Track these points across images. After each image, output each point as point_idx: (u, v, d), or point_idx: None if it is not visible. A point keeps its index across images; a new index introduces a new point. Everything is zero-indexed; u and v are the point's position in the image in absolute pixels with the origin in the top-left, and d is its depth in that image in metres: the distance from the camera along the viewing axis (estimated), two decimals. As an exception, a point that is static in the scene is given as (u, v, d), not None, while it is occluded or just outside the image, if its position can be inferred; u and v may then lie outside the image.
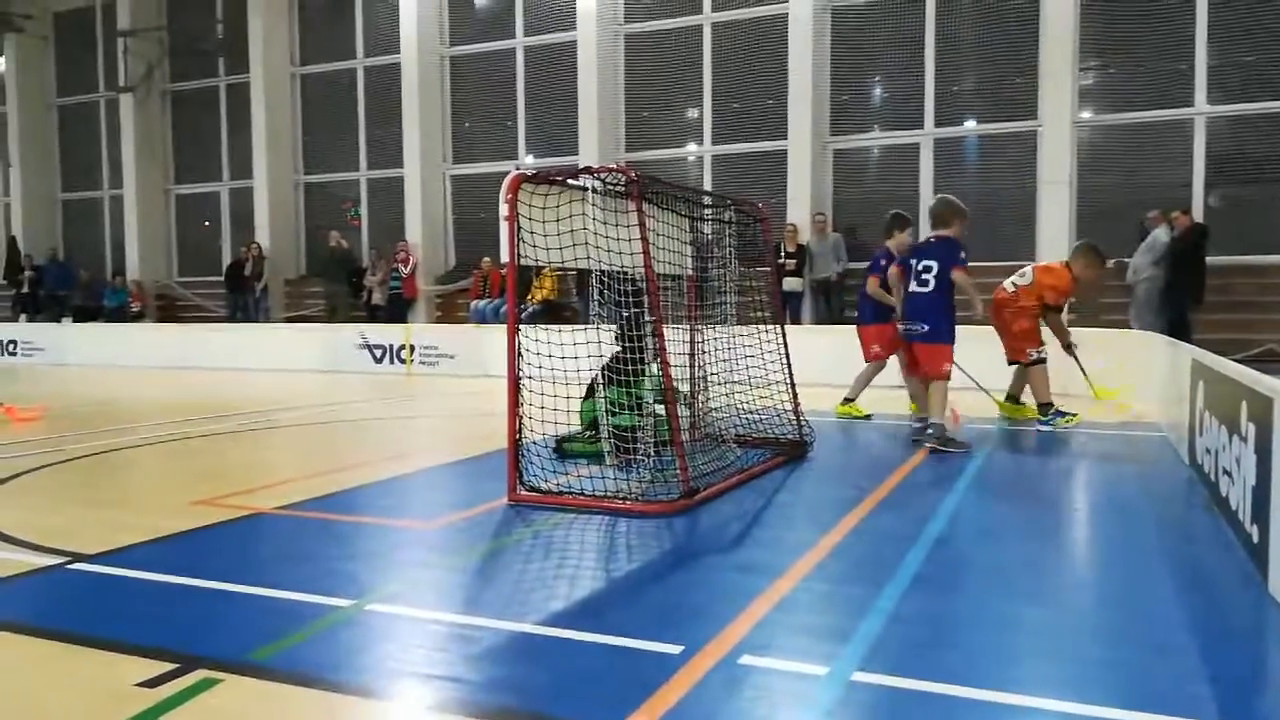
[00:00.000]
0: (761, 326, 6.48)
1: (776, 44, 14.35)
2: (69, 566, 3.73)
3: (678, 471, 4.71)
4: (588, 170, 4.89)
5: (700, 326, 6.24)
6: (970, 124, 13.75)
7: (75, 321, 17.78)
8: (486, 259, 15.33)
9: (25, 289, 18.56)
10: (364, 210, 17.57)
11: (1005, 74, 13.45)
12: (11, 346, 16.87)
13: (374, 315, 15.87)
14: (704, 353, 6.13)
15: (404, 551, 4.06)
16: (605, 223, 4.95)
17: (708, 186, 15.12)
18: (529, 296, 13.89)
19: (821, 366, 9.28)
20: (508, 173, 16.58)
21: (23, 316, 18.47)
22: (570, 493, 4.78)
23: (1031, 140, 13.17)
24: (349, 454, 5.89)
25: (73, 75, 19.97)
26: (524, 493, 4.78)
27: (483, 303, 15.03)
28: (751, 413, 6.29)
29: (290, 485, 5.10)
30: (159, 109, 18.86)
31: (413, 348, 13.58)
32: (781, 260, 12.85)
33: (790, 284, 13.15)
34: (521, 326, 4.89)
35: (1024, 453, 6.62)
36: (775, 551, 3.80)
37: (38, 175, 19.96)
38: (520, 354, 4.82)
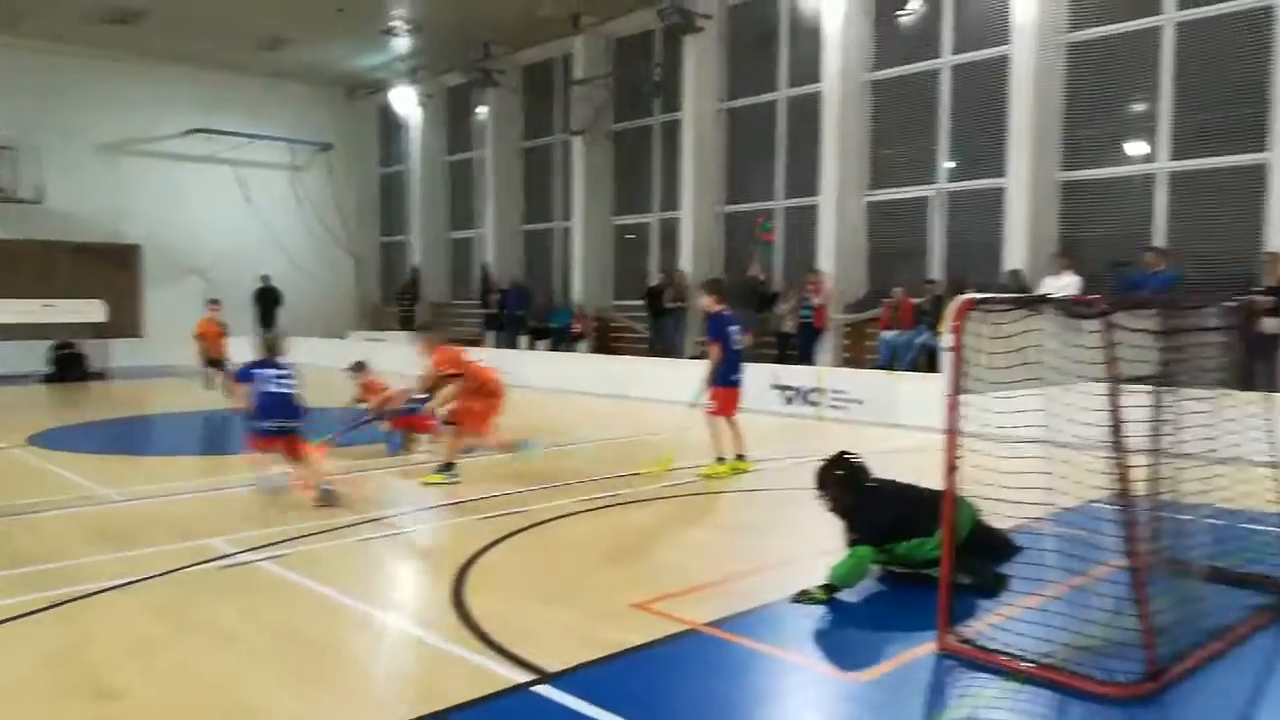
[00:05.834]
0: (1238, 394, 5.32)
1: (1259, 36, 12.23)
2: (533, 689, 4.06)
3: (1139, 632, 4.08)
4: (1045, 299, 4.42)
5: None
6: None
7: (531, 338, 20.24)
8: (898, 289, 14.87)
9: (493, 310, 21.55)
10: (778, 239, 17.91)
11: None
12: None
13: (784, 343, 16.08)
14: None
15: (840, 714, 3.96)
16: (1062, 342, 4.49)
17: (1160, 208, 13.33)
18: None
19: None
20: (925, 198, 15.79)
21: (490, 335, 21.46)
22: (1008, 654, 4.33)
23: None
24: (769, 544, 5.94)
25: (535, 121, 22.74)
26: (955, 643, 4.46)
27: (892, 334, 14.61)
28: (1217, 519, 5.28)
29: (712, 590, 5.24)
30: (603, 148, 20.79)
31: (823, 391, 13.53)
32: (1256, 293, 10.92)
33: (1271, 325, 11.11)
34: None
35: None
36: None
37: (506, 210, 23.05)
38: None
